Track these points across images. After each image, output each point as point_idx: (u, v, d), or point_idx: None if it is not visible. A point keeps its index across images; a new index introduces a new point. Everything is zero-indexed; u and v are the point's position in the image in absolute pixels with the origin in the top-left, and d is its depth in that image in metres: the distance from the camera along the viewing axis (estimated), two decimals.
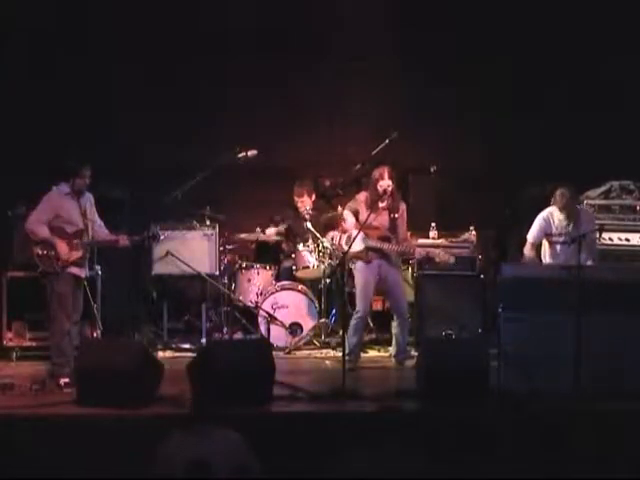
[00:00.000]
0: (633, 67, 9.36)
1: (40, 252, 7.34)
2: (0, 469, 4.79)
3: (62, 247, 7.36)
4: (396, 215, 8.00)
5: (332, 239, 8.67)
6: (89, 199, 7.64)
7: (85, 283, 7.70)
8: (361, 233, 7.76)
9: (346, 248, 7.83)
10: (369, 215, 7.73)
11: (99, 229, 7.65)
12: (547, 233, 7.83)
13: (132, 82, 9.29)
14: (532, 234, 7.86)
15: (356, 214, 8.00)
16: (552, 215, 7.81)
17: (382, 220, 7.99)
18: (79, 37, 9.28)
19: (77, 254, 7.43)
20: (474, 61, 9.40)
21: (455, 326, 8.29)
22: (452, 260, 7.93)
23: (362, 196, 8.06)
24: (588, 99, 9.25)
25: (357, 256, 7.93)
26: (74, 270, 7.42)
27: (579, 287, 6.59)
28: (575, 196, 7.86)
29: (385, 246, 7.93)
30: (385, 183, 7.88)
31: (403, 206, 8.10)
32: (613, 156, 9.04)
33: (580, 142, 9.19)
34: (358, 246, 7.90)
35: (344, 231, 8.08)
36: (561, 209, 7.73)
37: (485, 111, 9.37)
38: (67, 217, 7.44)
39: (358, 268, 7.98)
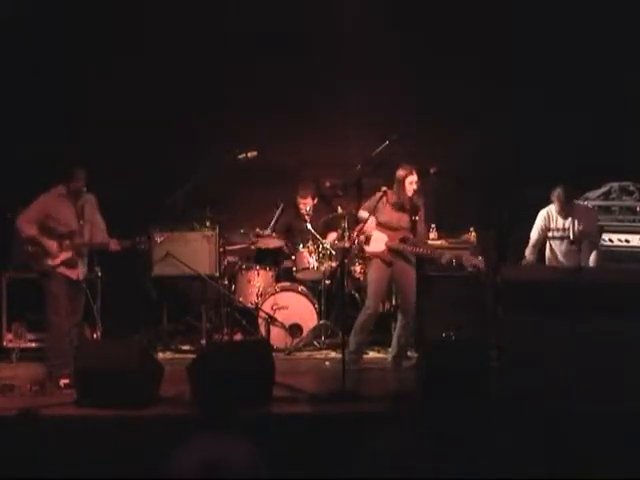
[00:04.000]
0: (634, 67, 9.35)
1: (31, 250, 7.40)
2: (0, 469, 4.79)
3: (51, 246, 7.39)
4: (416, 217, 8.02)
5: (334, 242, 8.70)
6: (89, 200, 7.65)
7: (84, 285, 7.73)
8: (383, 234, 7.88)
9: (368, 248, 7.92)
10: (399, 217, 7.81)
11: (99, 231, 7.63)
12: (547, 228, 7.97)
13: (132, 82, 9.28)
14: (532, 233, 8.03)
15: (374, 212, 7.96)
16: (551, 211, 7.98)
17: (403, 221, 8.00)
18: (78, 36, 9.27)
19: (66, 255, 7.44)
20: (474, 61, 9.40)
21: (455, 327, 8.29)
22: (481, 263, 7.92)
23: (391, 196, 8.01)
24: (588, 99, 9.24)
25: (378, 256, 7.94)
26: (65, 271, 7.44)
27: (579, 289, 6.59)
28: (570, 196, 7.96)
29: (408, 248, 7.95)
30: (414, 179, 7.92)
31: (422, 208, 8.11)
32: (613, 157, 9.04)
33: (580, 143, 9.18)
34: (379, 247, 7.91)
35: (363, 232, 7.96)
36: (557, 209, 7.93)
37: (485, 112, 9.36)
38: (59, 218, 7.47)
39: (374, 266, 7.98)
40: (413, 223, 8.01)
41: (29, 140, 9.11)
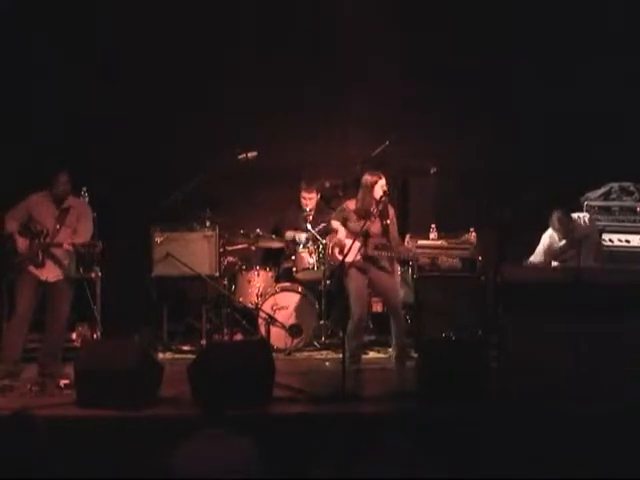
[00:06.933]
0: (633, 67, 9.36)
1: (7, 247, 7.50)
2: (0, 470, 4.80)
3: (21, 244, 7.47)
4: (387, 221, 8.00)
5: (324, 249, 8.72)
6: (76, 207, 7.64)
7: (85, 284, 7.77)
8: (357, 243, 7.78)
9: (340, 258, 7.85)
10: (365, 224, 7.75)
11: (77, 239, 7.53)
12: (555, 254, 7.99)
13: (131, 82, 9.28)
14: (534, 257, 8.04)
15: (344, 223, 8.01)
16: (554, 237, 8.08)
17: (375, 227, 7.97)
18: (77, 35, 9.27)
19: (31, 254, 7.45)
20: (474, 61, 9.40)
21: (455, 327, 8.29)
22: (458, 264, 7.97)
23: (351, 204, 8.05)
24: (588, 100, 9.24)
25: (354, 265, 7.92)
26: (33, 270, 7.47)
27: (579, 289, 6.60)
28: (569, 216, 8.05)
29: (384, 254, 7.95)
30: (382, 184, 7.90)
31: (392, 211, 8.11)
32: (613, 157, 9.04)
33: (580, 143, 9.18)
34: (352, 255, 7.88)
35: (337, 243, 8.03)
36: (562, 235, 7.98)
37: (485, 112, 9.37)
38: (38, 217, 7.56)
39: (350, 274, 7.96)
40: (385, 228, 7.99)
41: (29, 140, 9.11)
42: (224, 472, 4.46)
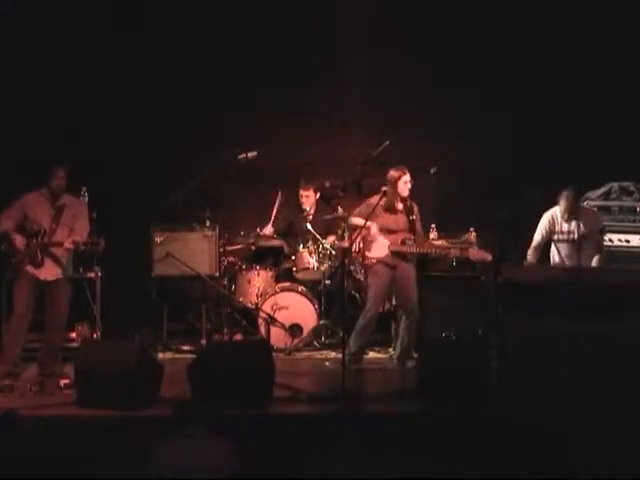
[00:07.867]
0: (633, 67, 9.35)
1: (3, 247, 7.49)
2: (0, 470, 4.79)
3: (18, 243, 7.46)
4: (413, 217, 8.02)
5: (334, 242, 8.70)
6: (73, 205, 7.66)
7: (85, 284, 7.78)
8: (385, 238, 7.86)
9: (370, 254, 7.90)
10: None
11: (76, 237, 7.54)
12: (552, 231, 7.94)
13: (131, 82, 9.28)
14: (536, 235, 8.03)
15: (367, 219, 7.92)
16: (556, 214, 7.97)
17: (401, 223, 7.99)
18: (77, 34, 9.27)
19: (30, 253, 7.46)
20: (474, 62, 9.40)
21: (455, 327, 8.28)
22: (488, 256, 7.92)
23: (377, 200, 7.91)
24: (588, 100, 9.24)
25: (382, 261, 7.93)
26: (31, 270, 7.47)
27: (579, 289, 6.60)
28: (578, 197, 7.98)
29: (412, 249, 7.94)
30: (407, 179, 7.89)
31: (416, 207, 8.11)
32: (613, 157, 9.04)
33: (580, 143, 9.18)
34: (382, 251, 7.90)
35: (365, 238, 7.96)
36: (563, 210, 7.89)
37: (485, 112, 9.37)
38: (33, 217, 7.57)
39: (377, 269, 7.95)
40: (411, 223, 8.01)
41: (30, 139, 9.11)
42: (204, 472, 4.48)
